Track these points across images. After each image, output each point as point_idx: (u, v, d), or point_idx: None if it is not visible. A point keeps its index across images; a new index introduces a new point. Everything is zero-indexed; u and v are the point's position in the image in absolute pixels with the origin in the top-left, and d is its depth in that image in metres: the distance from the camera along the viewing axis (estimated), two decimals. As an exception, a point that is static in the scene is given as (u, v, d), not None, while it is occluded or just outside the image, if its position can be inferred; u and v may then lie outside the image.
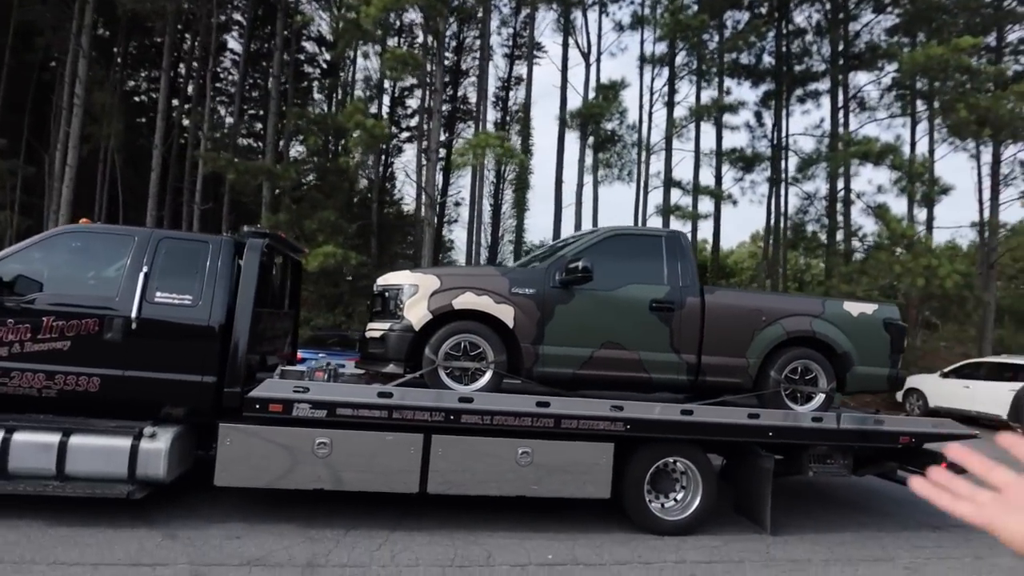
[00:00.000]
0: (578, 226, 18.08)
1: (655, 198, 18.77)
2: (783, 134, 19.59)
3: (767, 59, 19.80)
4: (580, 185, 17.92)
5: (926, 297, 14.20)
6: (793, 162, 18.46)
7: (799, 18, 19.71)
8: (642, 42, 18.60)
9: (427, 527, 4.85)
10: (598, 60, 20.09)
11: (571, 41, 19.08)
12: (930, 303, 15.32)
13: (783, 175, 18.64)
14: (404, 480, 4.73)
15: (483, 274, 5.49)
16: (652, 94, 19.03)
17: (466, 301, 5.10)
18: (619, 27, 18.95)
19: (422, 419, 4.74)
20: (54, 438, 4.38)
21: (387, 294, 5.31)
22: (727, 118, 18.96)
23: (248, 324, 4.81)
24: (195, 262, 4.88)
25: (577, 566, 4.35)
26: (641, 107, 19.33)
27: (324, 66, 26.55)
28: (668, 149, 18.05)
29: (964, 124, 14.39)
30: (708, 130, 19.37)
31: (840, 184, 17.21)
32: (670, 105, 18.00)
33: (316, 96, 26.10)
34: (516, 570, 4.20)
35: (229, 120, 20.89)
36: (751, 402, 5.60)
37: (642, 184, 18.35)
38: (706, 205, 18.66)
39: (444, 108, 16.84)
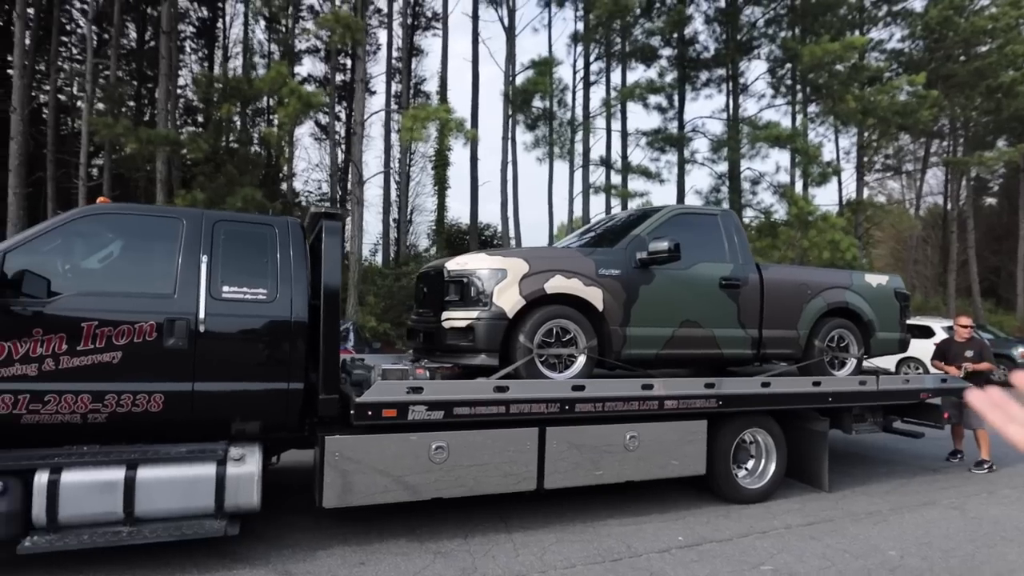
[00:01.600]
0: (504, 204, 17.92)
1: (581, 176, 19.09)
2: (690, 116, 20.78)
3: (666, 51, 20.77)
4: (505, 164, 17.73)
5: (826, 266, 15.88)
6: (704, 143, 19.64)
7: (694, 11, 20.87)
8: (576, 19, 18.70)
9: (540, 524, 4.59)
10: (511, 36, 19.86)
11: (491, 15, 18.66)
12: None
13: (692, 156, 19.84)
14: (522, 477, 4.42)
15: (569, 256, 5.20)
16: (576, 73, 19.23)
17: (557, 285, 4.82)
18: (545, 3, 18.84)
19: (538, 412, 4.44)
20: (117, 474, 3.52)
21: (466, 280, 4.87)
22: (651, 99, 19.68)
23: (337, 319, 4.17)
24: (262, 249, 4.13)
25: (709, 544, 4.34)
26: (575, 87, 19.59)
27: (197, 24, 23.76)
28: (608, 129, 18.40)
29: (851, 113, 16.17)
30: (637, 110, 20.04)
31: (744, 165, 18.65)
32: (607, 84, 18.30)
33: (189, 57, 23.31)
34: (664, 556, 4.10)
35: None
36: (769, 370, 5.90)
37: (575, 163, 18.57)
38: (638, 184, 19.32)
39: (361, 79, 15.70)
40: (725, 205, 20.10)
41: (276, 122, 14.29)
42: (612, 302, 5.01)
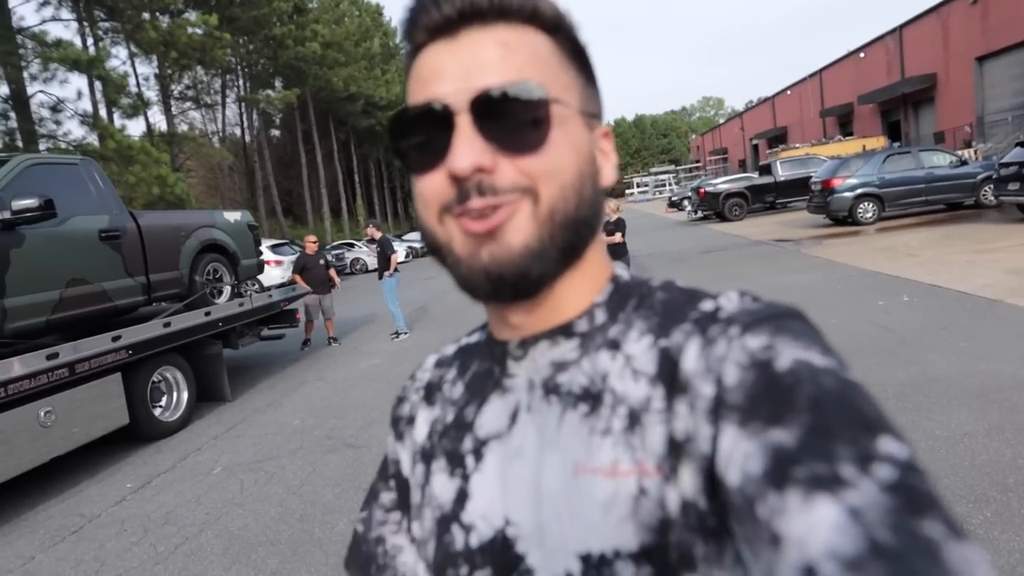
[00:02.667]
0: None
1: None
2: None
3: None
4: None
5: (157, 202, 15.95)
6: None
7: None
8: None
9: None
10: None
11: None
12: (159, 207, 17.17)
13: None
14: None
15: None
16: None
17: None
18: None
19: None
20: None
21: None
22: None
23: None
24: None
25: (159, 477, 4.75)
26: None
27: None
28: None
29: (153, 43, 16.19)
30: None
31: (37, 87, 15.89)
32: None
33: None
34: (123, 504, 4.30)
35: None
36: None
37: None
38: None
39: None
40: (16, 133, 16.90)
41: None
42: (-22, 274, 4.33)
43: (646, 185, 72.22)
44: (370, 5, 43.87)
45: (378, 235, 9.48)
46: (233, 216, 7.64)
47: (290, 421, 5.77)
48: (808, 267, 10.06)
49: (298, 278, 9.19)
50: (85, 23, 17.96)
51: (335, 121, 38.70)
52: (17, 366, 4.31)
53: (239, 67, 28.63)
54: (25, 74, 15.69)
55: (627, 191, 75.00)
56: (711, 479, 0.39)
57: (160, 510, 4.15)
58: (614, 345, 0.49)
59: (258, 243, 8.10)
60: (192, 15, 17.46)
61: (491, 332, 0.56)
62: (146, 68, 22.32)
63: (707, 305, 0.47)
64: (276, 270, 15.54)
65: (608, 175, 0.52)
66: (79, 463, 5.14)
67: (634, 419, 0.45)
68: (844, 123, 34.55)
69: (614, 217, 8.10)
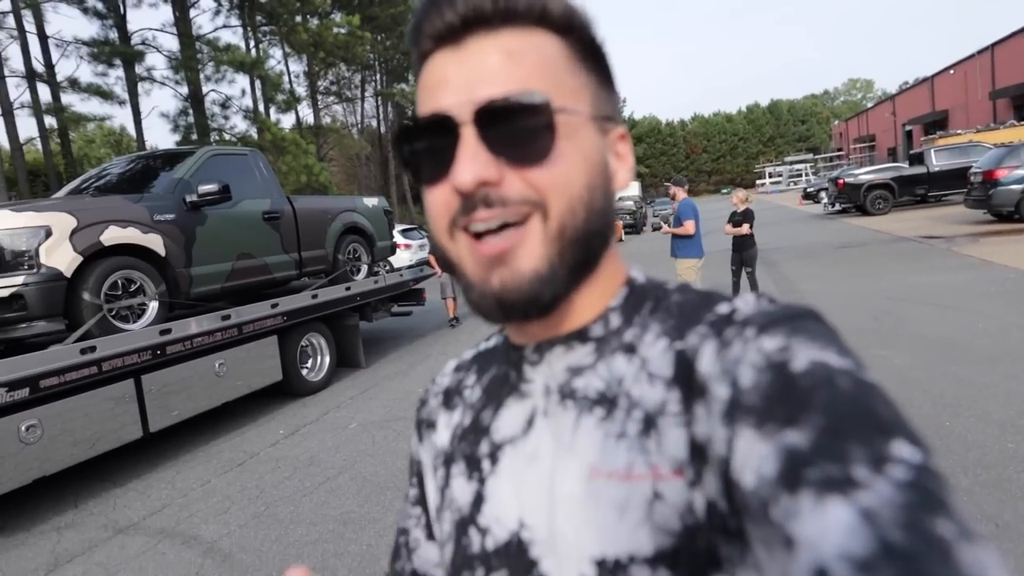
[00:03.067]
0: None
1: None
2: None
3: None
4: None
5: (304, 189, 17.66)
6: (160, 60, 17.85)
7: None
8: None
9: (153, 466, 4.75)
10: None
11: None
12: (305, 193, 19.00)
13: (150, 73, 17.90)
14: (127, 429, 4.48)
15: (118, 205, 4.90)
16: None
17: (115, 236, 4.73)
18: None
19: (132, 363, 4.50)
20: None
21: (3, 245, 4.22)
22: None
23: None
24: None
25: (305, 427, 5.46)
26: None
27: None
28: (20, 29, 14.32)
29: (304, 44, 17.81)
30: (71, 13, 16.13)
31: (210, 87, 18.16)
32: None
33: None
34: (277, 446, 5.01)
35: None
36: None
37: None
38: (93, 106, 16.03)
39: None
40: (193, 127, 19.36)
41: None
42: (173, 246, 5.21)
43: (780, 175, 67.90)
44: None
45: None
46: (371, 201, 8.38)
47: (415, 388, 6.32)
48: (959, 267, 9.18)
49: (433, 259, 9.82)
50: (248, 28, 20.15)
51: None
52: (198, 325, 5.15)
53: (377, 63, 30.69)
54: (201, 76, 17.96)
55: (758, 181, 70.96)
56: (728, 481, 0.39)
57: (306, 453, 4.80)
58: (630, 349, 0.49)
59: (392, 227, 8.82)
60: (337, 16, 19.01)
61: (508, 337, 0.56)
62: (297, 66, 24.62)
63: (723, 308, 0.47)
64: (405, 253, 16.63)
65: (621, 179, 0.52)
66: (243, 410, 6.01)
67: (649, 423, 0.45)
68: (1020, 106, 30.34)
69: (742, 207, 7.91)
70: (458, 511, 0.55)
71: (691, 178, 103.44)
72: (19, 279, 4.21)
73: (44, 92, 16.44)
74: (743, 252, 8.03)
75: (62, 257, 4.36)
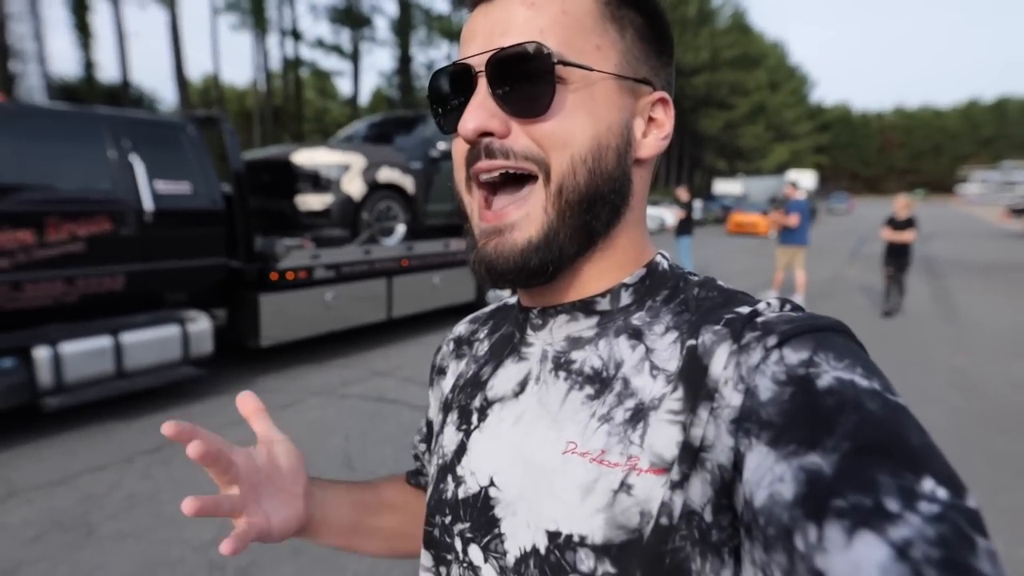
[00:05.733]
0: (179, 68, 16.39)
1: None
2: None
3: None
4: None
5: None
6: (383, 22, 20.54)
7: None
8: None
9: (393, 343, 6.65)
10: None
11: None
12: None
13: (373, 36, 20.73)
14: (380, 312, 6.39)
15: (390, 152, 6.81)
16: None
17: (386, 176, 6.58)
18: None
19: (387, 267, 6.36)
20: (106, 341, 4.33)
21: (317, 172, 6.20)
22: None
23: (247, 204, 5.24)
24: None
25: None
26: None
27: None
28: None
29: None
30: None
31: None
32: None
33: None
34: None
35: None
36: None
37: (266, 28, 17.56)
38: (332, 62, 19.32)
39: None
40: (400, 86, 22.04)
41: None
42: (418, 187, 7.01)
43: (988, 183, 59.65)
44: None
45: (686, 197, 10.74)
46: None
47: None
48: None
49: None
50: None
51: (637, 84, 40.24)
52: (428, 247, 6.93)
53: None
54: (413, 40, 20.40)
55: (958, 187, 62.86)
56: (726, 493, 0.38)
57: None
58: (636, 335, 0.48)
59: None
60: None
61: (519, 299, 0.56)
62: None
63: (744, 308, 0.45)
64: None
65: (650, 145, 0.50)
66: (445, 319, 7.82)
67: (639, 414, 0.44)
68: None
69: (904, 214, 8.05)
70: (443, 457, 0.57)
71: (879, 175, 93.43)
72: (329, 198, 6.19)
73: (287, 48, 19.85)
74: (900, 259, 8.14)
75: (355, 187, 6.26)
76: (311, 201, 6.21)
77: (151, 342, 4.57)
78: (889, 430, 0.34)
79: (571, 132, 0.45)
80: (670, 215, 18.85)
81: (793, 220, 8.67)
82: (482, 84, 0.46)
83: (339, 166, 6.22)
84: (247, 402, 0.58)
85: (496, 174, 0.47)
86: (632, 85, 0.48)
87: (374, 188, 6.46)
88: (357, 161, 6.33)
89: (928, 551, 0.29)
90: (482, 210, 0.48)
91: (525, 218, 0.47)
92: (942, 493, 0.31)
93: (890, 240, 8.20)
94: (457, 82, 0.48)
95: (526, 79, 0.44)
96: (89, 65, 16.90)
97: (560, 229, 0.46)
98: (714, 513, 0.39)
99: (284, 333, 5.46)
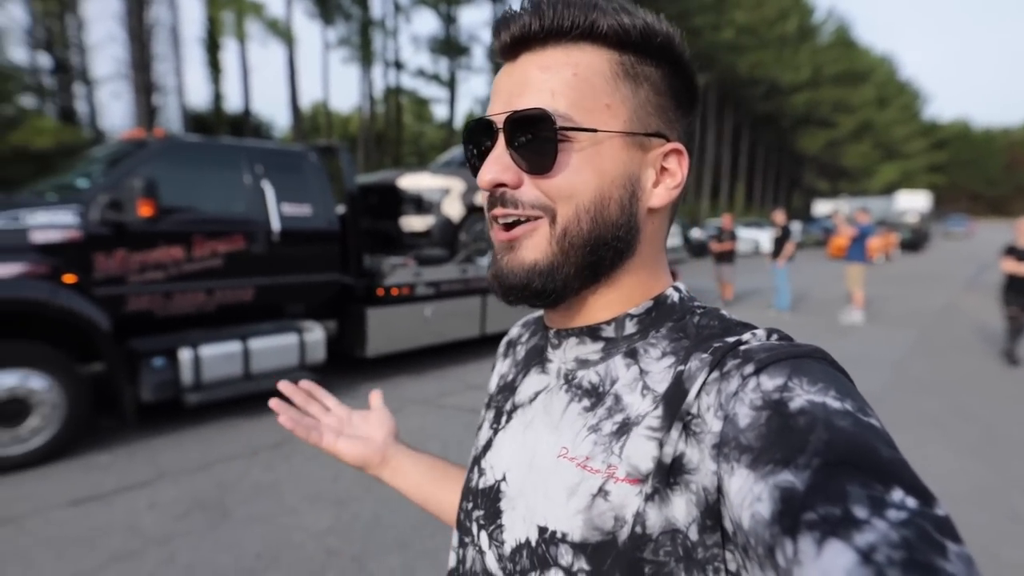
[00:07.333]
0: (293, 98, 17.83)
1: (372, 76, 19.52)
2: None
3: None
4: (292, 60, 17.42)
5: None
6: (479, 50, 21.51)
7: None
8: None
9: (483, 360, 6.94)
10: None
11: None
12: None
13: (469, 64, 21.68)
14: (473, 328, 6.70)
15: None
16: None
17: (480, 199, 6.91)
18: None
19: (481, 286, 6.67)
20: (237, 346, 4.85)
21: (420, 195, 6.64)
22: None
23: (360, 224, 5.71)
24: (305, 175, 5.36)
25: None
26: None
27: None
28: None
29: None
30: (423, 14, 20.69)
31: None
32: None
33: None
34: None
35: None
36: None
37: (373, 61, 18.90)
38: (433, 91, 20.50)
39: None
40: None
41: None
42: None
43: None
44: (794, -16, 42.31)
45: (783, 220, 10.37)
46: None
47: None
48: None
49: (715, 245, 10.83)
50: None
51: (732, 105, 39.35)
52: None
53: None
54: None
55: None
56: (711, 515, 0.41)
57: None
58: (632, 355, 0.52)
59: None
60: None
61: (544, 318, 0.62)
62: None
63: (732, 337, 0.47)
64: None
65: (660, 195, 0.53)
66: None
67: (624, 428, 0.48)
68: None
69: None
70: (476, 449, 0.64)
71: (1005, 195, 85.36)
72: (430, 220, 6.59)
73: (390, 77, 21.07)
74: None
75: (454, 209, 6.63)
76: (414, 222, 6.64)
77: (274, 348, 5.06)
78: (859, 445, 0.35)
79: (575, 186, 0.49)
80: (766, 238, 18.27)
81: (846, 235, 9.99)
82: (501, 139, 0.51)
83: (440, 190, 6.62)
84: (376, 396, 0.87)
85: (510, 220, 0.52)
86: (641, 140, 0.51)
87: (471, 211, 6.80)
88: (456, 185, 6.71)
89: (892, 553, 0.30)
90: (498, 233, 0.54)
91: (532, 243, 0.51)
92: (911, 502, 0.33)
93: (1011, 273, 6.85)
94: (483, 133, 0.53)
95: (535, 139, 0.48)
96: (218, 97, 18.85)
97: (564, 265, 0.51)
98: (699, 532, 0.42)
99: (388, 345, 5.86)
